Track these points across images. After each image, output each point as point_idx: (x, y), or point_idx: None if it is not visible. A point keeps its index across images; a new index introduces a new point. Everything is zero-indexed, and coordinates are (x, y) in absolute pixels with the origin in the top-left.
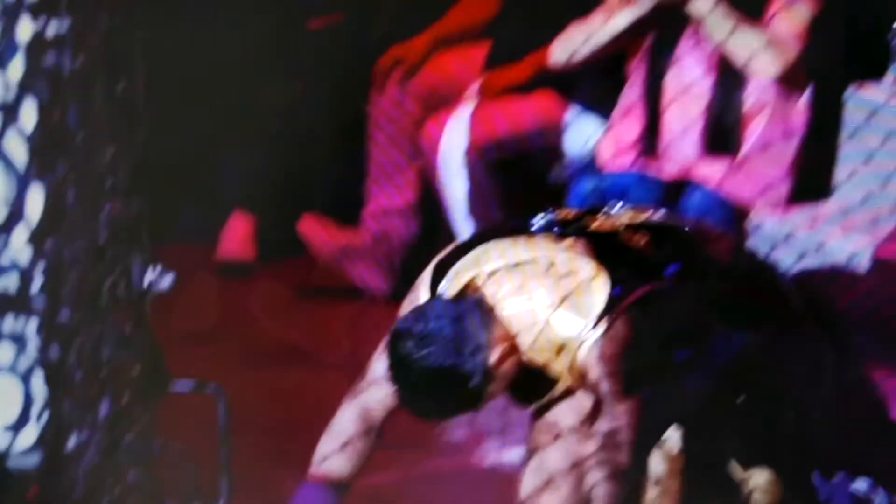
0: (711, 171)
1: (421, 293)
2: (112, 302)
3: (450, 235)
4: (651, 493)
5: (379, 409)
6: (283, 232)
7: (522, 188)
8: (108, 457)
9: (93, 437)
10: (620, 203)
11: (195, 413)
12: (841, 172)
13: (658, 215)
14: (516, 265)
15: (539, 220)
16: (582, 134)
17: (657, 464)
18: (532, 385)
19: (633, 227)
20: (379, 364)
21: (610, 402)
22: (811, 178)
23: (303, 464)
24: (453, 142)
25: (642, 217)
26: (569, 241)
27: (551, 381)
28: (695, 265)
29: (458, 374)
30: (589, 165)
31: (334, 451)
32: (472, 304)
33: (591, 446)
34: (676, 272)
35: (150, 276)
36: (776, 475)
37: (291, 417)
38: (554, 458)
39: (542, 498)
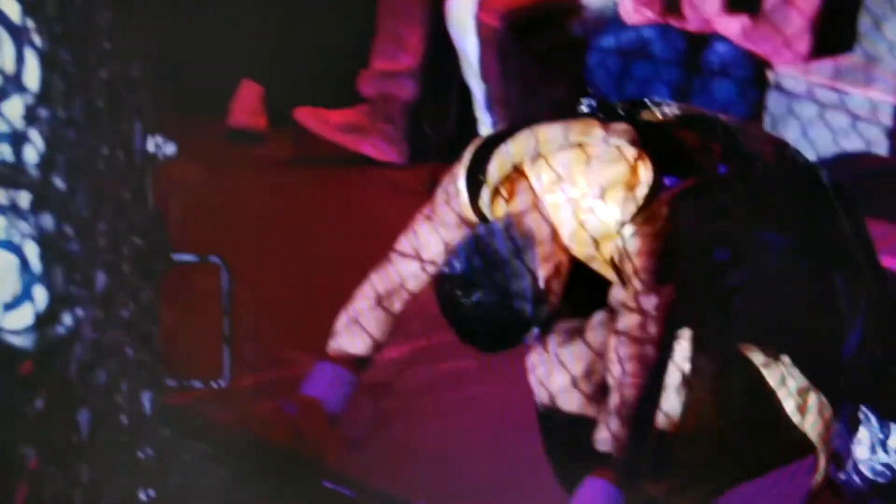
0: (733, 25)
1: (459, 177)
2: (110, 169)
3: (460, 101)
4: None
5: (401, 285)
6: (292, 100)
7: (542, 47)
8: (104, 332)
9: (89, 311)
10: (667, 100)
11: (199, 287)
12: (865, 22)
13: (707, 113)
14: (561, 150)
15: (583, 106)
16: None
17: (683, 360)
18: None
19: (681, 122)
20: (402, 241)
21: (644, 292)
22: (834, 29)
23: (317, 341)
24: (463, 3)
25: (691, 113)
26: (617, 126)
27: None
28: (741, 164)
29: (510, 308)
30: (610, 20)
31: (351, 326)
32: (508, 229)
33: (622, 322)
34: (723, 169)
35: (151, 143)
36: (828, 399)
37: (304, 292)
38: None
39: (553, 377)
